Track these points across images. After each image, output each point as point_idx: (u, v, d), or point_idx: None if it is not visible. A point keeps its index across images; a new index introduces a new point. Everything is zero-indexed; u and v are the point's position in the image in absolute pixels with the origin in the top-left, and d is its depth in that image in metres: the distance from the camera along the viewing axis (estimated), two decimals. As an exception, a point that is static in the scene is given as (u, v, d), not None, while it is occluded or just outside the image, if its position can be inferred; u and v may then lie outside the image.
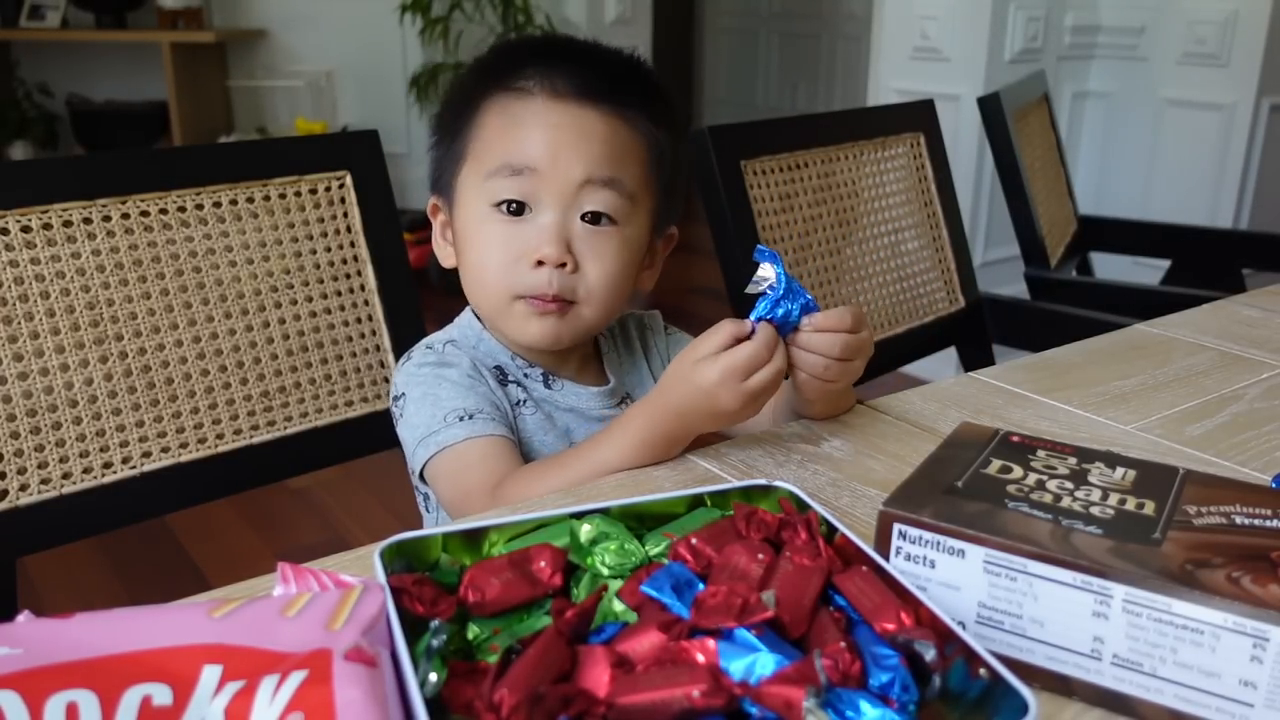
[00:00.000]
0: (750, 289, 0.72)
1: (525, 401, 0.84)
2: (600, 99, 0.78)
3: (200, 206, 0.96)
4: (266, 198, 0.99)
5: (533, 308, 0.79)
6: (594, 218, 0.78)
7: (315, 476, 1.06)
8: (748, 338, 0.70)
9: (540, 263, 0.77)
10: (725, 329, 0.70)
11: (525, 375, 0.85)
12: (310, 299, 1.02)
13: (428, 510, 0.88)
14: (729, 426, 0.78)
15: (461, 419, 0.78)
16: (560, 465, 0.74)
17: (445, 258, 0.87)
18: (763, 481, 0.58)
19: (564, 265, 0.78)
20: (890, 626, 0.45)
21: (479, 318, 0.87)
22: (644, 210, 0.82)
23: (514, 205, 0.78)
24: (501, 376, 0.84)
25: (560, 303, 0.79)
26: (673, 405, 0.71)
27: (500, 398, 0.82)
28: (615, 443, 0.73)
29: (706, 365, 0.69)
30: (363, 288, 1.05)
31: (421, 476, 0.81)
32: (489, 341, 0.86)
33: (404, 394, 0.82)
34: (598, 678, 0.42)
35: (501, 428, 0.79)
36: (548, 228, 0.77)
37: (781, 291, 0.71)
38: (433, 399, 0.80)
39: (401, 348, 1.06)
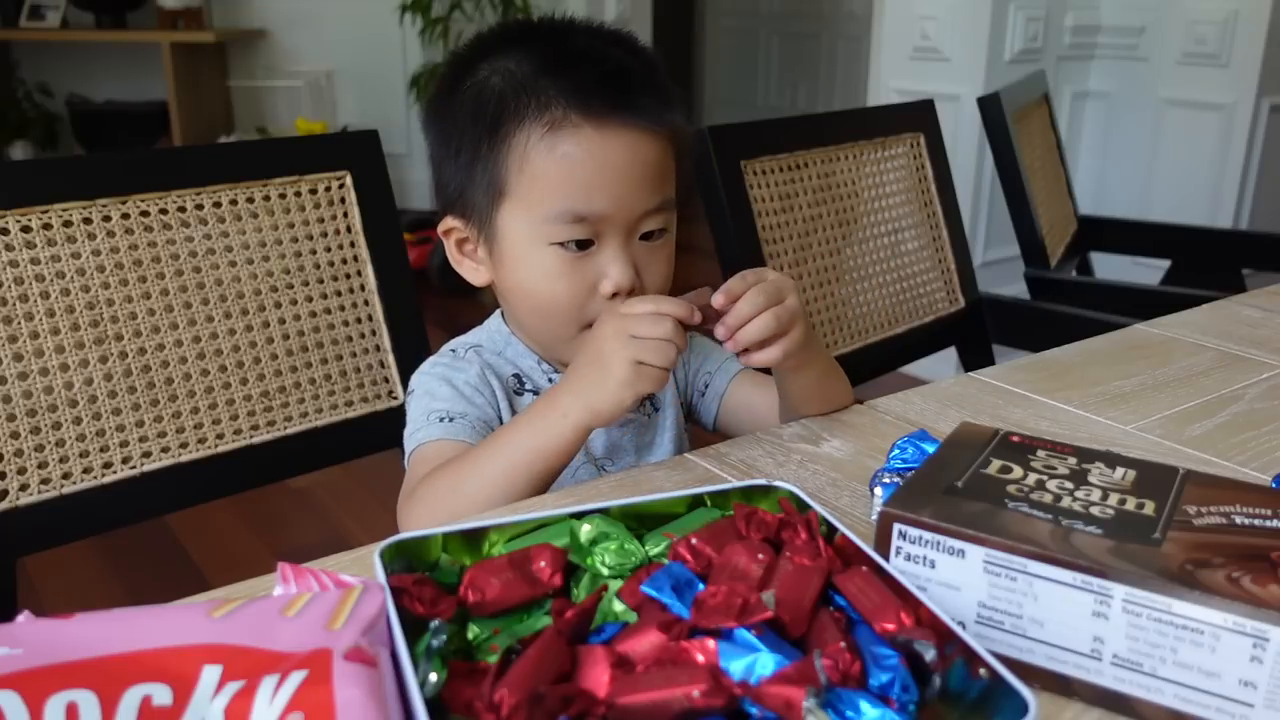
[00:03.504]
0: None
1: None
2: (638, 111, 0.76)
3: (200, 206, 0.96)
4: (266, 198, 0.99)
5: None
6: (649, 234, 0.79)
7: (315, 476, 1.06)
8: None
9: (615, 293, 0.77)
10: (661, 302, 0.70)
11: (549, 381, 0.85)
12: (310, 299, 1.02)
13: None
14: (615, 406, 0.69)
15: (441, 419, 0.78)
16: (473, 456, 0.72)
17: (476, 277, 0.84)
18: (763, 481, 0.58)
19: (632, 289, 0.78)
20: (890, 626, 0.45)
21: (506, 323, 0.87)
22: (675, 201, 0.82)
23: (580, 243, 0.77)
24: (519, 386, 0.84)
25: None
26: (569, 375, 0.71)
27: (504, 410, 0.82)
28: (515, 422, 0.72)
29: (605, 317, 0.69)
30: (363, 288, 1.05)
31: None
32: (516, 346, 0.86)
33: (413, 390, 0.83)
34: (598, 678, 0.42)
35: (477, 438, 0.78)
36: (617, 259, 0.77)
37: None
38: (429, 397, 0.81)
39: (401, 348, 1.06)
